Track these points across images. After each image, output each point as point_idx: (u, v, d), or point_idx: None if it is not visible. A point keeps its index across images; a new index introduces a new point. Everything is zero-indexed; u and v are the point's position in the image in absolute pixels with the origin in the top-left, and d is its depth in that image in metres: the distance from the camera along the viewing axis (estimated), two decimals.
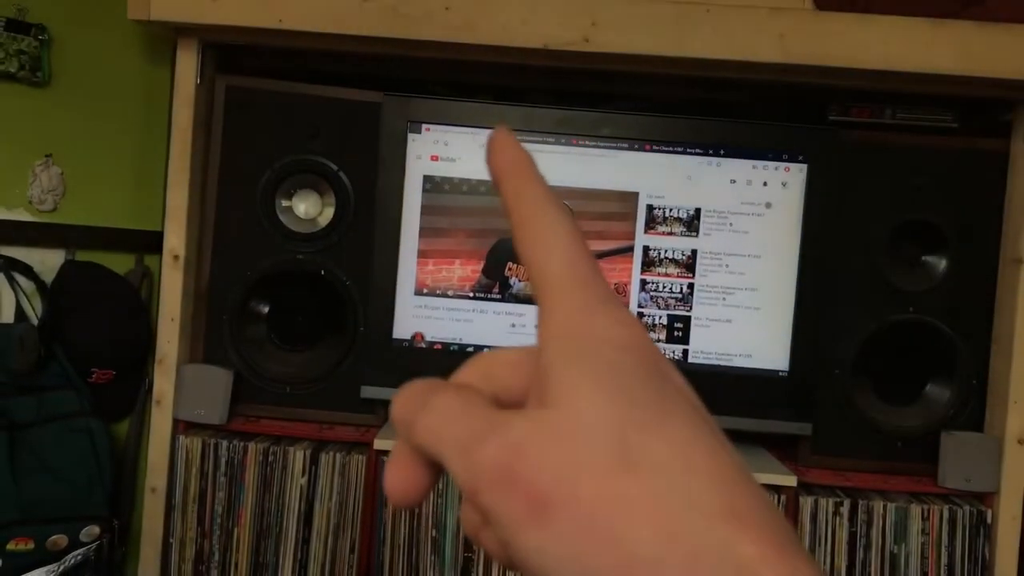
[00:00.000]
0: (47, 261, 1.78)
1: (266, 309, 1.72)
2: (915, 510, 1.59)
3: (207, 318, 1.68)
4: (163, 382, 1.64)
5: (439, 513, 1.59)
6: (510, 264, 1.65)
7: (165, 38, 1.69)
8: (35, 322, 1.71)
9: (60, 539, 1.58)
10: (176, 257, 1.64)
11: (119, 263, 1.83)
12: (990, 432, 1.64)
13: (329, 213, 1.68)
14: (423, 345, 1.66)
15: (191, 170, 1.64)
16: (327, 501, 1.60)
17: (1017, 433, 1.60)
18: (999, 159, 1.65)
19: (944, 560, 1.58)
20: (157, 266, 1.79)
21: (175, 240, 1.64)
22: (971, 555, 1.58)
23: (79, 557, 1.60)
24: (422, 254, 1.65)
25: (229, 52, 1.69)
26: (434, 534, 1.60)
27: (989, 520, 1.59)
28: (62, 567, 1.56)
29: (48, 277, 1.77)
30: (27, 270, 1.74)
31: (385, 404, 1.71)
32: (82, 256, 1.80)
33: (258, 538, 1.61)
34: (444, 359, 1.65)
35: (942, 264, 1.65)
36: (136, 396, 1.82)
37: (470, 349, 1.66)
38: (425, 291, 1.65)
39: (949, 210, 1.64)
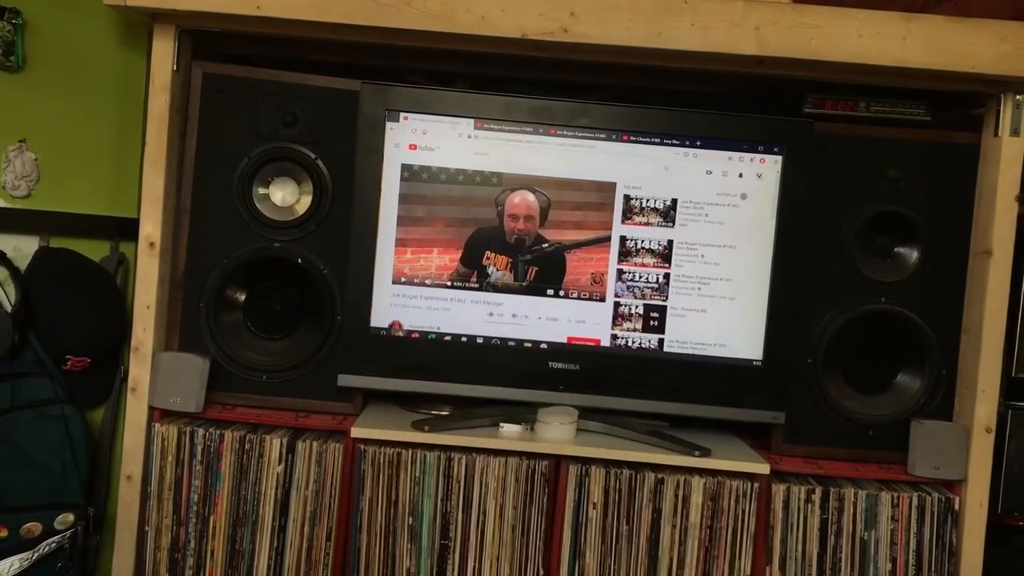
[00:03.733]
0: (21, 247, 1.77)
1: (243, 297, 1.72)
2: (885, 497, 1.61)
3: (183, 306, 1.67)
4: (138, 370, 1.63)
5: (416, 501, 1.60)
6: (488, 253, 1.66)
7: (141, 24, 1.68)
8: (9, 309, 1.70)
9: (34, 526, 1.58)
10: (152, 244, 1.63)
11: (94, 250, 1.81)
12: (959, 421, 1.67)
13: (306, 201, 1.67)
14: (401, 334, 1.66)
15: (167, 157, 1.63)
16: (304, 489, 1.61)
17: (985, 422, 1.63)
18: (971, 152, 1.67)
19: (913, 546, 1.61)
20: (133, 253, 1.78)
21: (151, 227, 1.63)
22: (939, 541, 1.61)
23: (53, 545, 1.59)
24: (400, 243, 1.65)
25: (206, 38, 1.68)
26: (411, 521, 1.60)
27: (957, 507, 1.62)
28: (36, 554, 1.56)
29: (22, 263, 1.75)
30: (0, 256, 1.73)
31: (362, 392, 1.71)
32: (56, 242, 1.79)
33: (234, 526, 1.61)
34: (422, 348, 1.66)
35: (914, 255, 1.68)
36: (111, 383, 1.81)
37: (447, 338, 1.66)
38: (403, 280, 1.66)
39: (921, 202, 1.67)
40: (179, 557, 1.61)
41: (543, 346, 1.67)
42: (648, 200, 1.65)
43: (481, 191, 1.64)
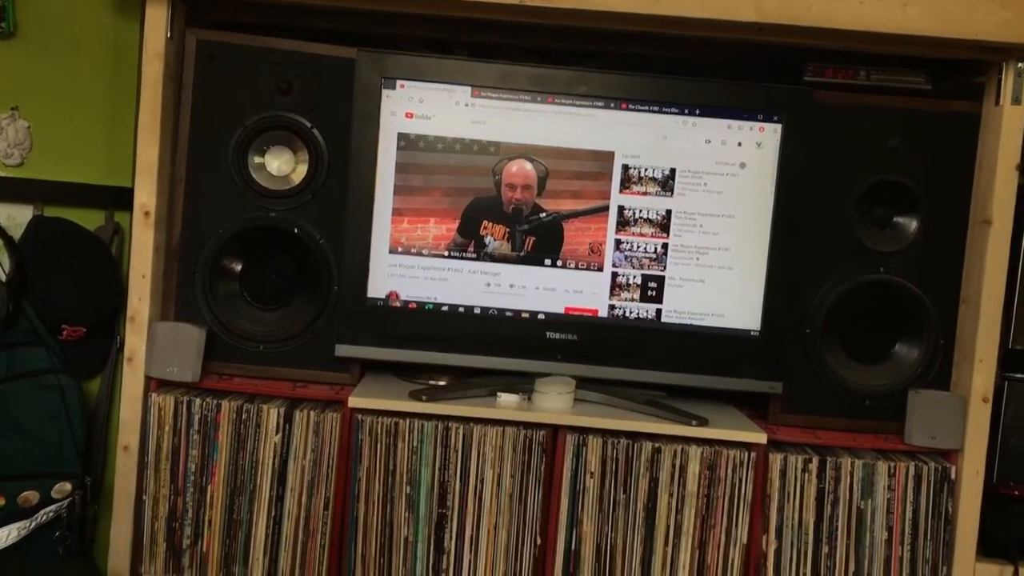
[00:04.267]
0: (15, 216, 1.76)
1: (239, 267, 1.71)
2: (882, 467, 1.62)
3: (179, 275, 1.66)
4: (135, 339, 1.62)
5: (413, 470, 1.60)
6: (485, 223, 1.65)
7: None
8: (3, 278, 1.69)
9: (31, 495, 1.58)
10: (147, 213, 1.62)
11: (89, 219, 1.80)
12: (956, 391, 1.67)
13: (302, 170, 1.66)
14: (398, 304, 1.66)
15: (162, 125, 1.61)
16: (301, 459, 1.61)
17: (982, 392, 1.63)
18: (971, 121, 1.66)
19: (909, 515, 1.62)
20: (128, 222, 1.77)
21: (146, 196, 1.62)
22: (935, 510, 1.62)
23: (51, 513, 1.59)
24: (397, 212, 1.64)
25: (200, 5, 1.66)
26: (408, 491, 1.60)
27: (953, 476, 1.62)
28: (34, 523, 1.56)
29: (16, 233, 1.75)
30: None
31: (360, 362, 1.71)
32: (51, 211, 1.78)
33: (232, 495, 1.61)
34: (419, 318, 1.65)
35: (913, 225, 1.67)
36: (107, 353, 1.81)
37: (445, 308, 1.66)
38: (400, 249, 1.65)
39: (921, 171, 1.66)
40: (177, 526, 1.61)
41: (540, 316, 1.66)
42: (646, 169, 1.64)
43: (478, 160, 1.63)
